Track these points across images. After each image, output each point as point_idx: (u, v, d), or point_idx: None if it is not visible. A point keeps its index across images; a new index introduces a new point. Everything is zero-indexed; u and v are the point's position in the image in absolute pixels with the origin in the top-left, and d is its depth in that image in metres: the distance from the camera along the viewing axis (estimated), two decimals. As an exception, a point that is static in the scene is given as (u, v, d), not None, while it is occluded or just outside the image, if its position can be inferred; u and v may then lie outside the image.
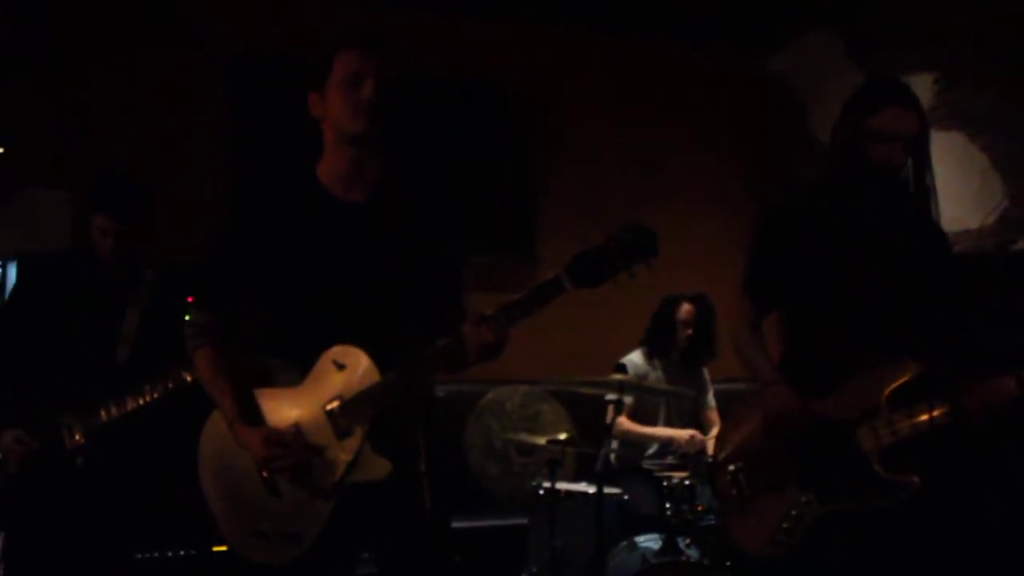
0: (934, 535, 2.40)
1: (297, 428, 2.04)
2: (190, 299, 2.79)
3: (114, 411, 2.89)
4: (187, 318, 2.19)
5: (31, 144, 4.71)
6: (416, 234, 2.07)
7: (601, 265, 1.86)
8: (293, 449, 2.01)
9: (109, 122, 4.61)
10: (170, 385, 2.89)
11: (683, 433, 4.12)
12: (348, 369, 2.01)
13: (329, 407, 2.02)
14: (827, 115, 5.30)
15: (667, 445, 4.14)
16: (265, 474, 2.06)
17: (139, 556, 3.61)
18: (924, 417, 2.21)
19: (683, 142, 5.62)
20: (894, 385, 2.25)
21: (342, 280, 2.04)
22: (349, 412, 2.00)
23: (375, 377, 1.98)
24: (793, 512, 2.29)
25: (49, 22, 4.57)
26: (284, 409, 2.08)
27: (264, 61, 4.84)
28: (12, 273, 4.89)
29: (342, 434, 2.01)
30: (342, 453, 2.01)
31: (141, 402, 2.89)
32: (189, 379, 2.85)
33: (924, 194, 2.42)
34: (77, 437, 2.89)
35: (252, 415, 2.09)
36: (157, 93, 4.71)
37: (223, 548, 3.71)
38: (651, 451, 4.19)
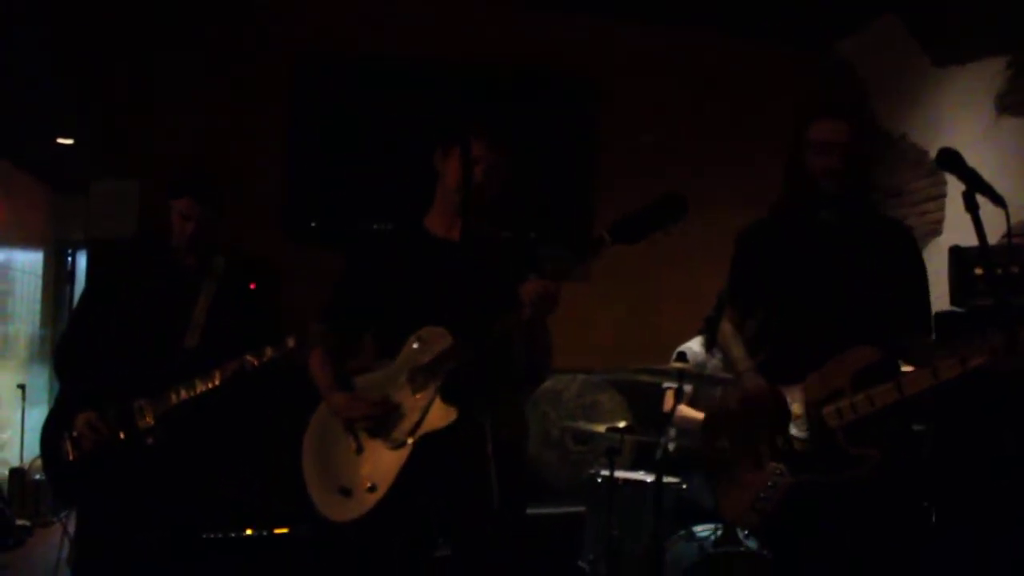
0: (901, 506, 2.67)
1: (386, 395, 2.45)
2: (252, 285, 2.99)
3: (183, 394, 2.96)
4: (310, 324, 2.67)
5: (100, 136, 4.85)
6: (496, 264, 2.48)
7: (639, 224, 2.22)
8: (369, 401, 2.45)
9: (174, 116, 4.71)
10: (237, 369, 2.96)
11: None
12: (429, 341, 2.40)
13: (410, 371, 2.42)
14: (894, 103, 5.26)
15: None
16: (351, 436, 2.47)
17: (205, 536, 3.72)
18: (888, 394, 2.44)
19: (745, 132, 5.52)
20: (857, 369, 2.49)
21: (433, 304, 2.43)
22: (424, 372, 2.38)
23: (448, 341, 2.36)
24: (768, 483, 2.58)
25: (117, 21, 4.69)
26: (376, 383, 2.51)
27: (326, 60, 4.91)
28: (82, 261, 5.04)
29: (418, 391, 2.40)
30: (417, 408, 2.38)
31: (210, 385, 2.96)
32: (256, 363, 2.94)
33: (867, 195, 2.73)
34: (148, 419, 2.97)
35: (344, 387, 2.53)
36: (221, 88, 4.80)
37: (285, 530, 3.85)
38: None
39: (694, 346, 4.28)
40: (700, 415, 4.16)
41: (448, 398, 2.34)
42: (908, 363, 2.60)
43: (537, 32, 5.20)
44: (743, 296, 2.86)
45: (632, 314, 4.86)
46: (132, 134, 4.69)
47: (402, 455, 2.37)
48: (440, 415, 2.34)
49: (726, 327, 2.88)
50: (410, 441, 2.36)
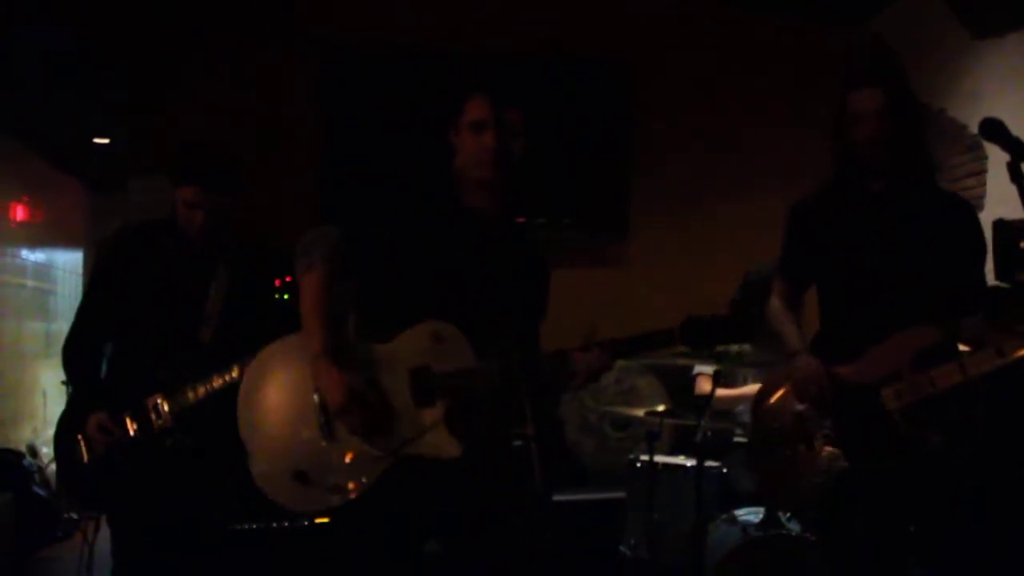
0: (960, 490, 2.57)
1: (377, 384, 2.08)
2: (277, 281, 2.83)
3: (201, 391, 2.78)
4: (312, 231, 2.24)
5: (136, 135, 4.91)
6: (522, 244, 2.33)
7: (709, 335, 2.16)
8: (371, 408, 2.04)
9: (207, 112, 4.76)
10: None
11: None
12: (445, 343, 2.09)
13: (416, 372, 2.09)
14: (932, 78, 5.16)
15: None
16: (323, 416, 2.07)
17: (236, 528, 3.67)
18: (951, 375, 2.37)
19: (781, 111, 5.46)
20: (917, 349, 2.42)
21: (464, 272, 2.20)
22: (435, 384, 2.07)
23: (471, 360, 2.07)
24: (824, 468, 2.49)
25: (149, 21, 4.73)
26: (372, 362, 2.11)
27: (352, 53, 4.94)
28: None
29: (423, 402, 2.07)
30: (417, 421, 2.06)
31: (228, 379, 2.76)
32: None
33: (923, 164, 2.61)
34: (165, 419, 2.78)
35: (337, 355, 2.08)
36: (253, 82, 4.85)
37: (325, 520, 3.86)
38: (739, 411, 4.13)
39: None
40: (732, 392, 4.13)
41: (454, 427, 2.05)
42: (963, 343, 2.50)
43: (568, 14, 5.17)
44: (795, 271, 2.78)
45: (668, 298, 4.80)
46: (167, 131, 4.74)
47: (381, 466, 2.04)
48: (437, 445, 2.04)
49: (776, 303, 2.79)
50: (396, 453, 2.04)
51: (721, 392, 4.11)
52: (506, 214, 2.32)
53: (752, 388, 4.13)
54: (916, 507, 2.49)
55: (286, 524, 3.76)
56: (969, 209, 2.63)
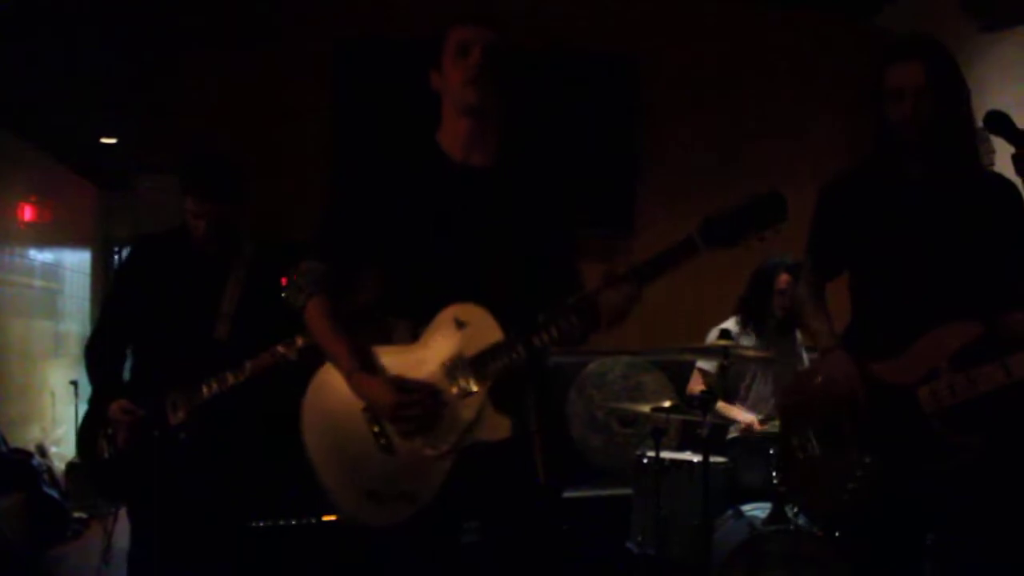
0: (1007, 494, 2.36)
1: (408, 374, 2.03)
2: (283, 281, 2.78)
3: (215, 387, 2.91)
4: (299, 265, 2.16)
5: (143, 133, 4.92)
6: (534, 200, 2.12)
7: (735, 226, 1.91)
8: (424, 395, 1.99)
9: (216, 109, 4.77)
10: (269, 364, 2.90)
11: (745, 416, 4.04)
12: (470, 327, 2.00)
13: (450, 364, 2.01)
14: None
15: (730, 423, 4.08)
16: (377, 429, 2.04)
17: (255, 524, 3.72)
18: (993, 376, 2.20)
19: (787, 110, 5.44)
20: (957, 347, 2.26)
21: (461, 241, 2.06)
22: (471, 370, 1.99)
23: (498, 335, 1.97)
24: (858, 473, 2.33)
25: (156, 17, 4.74)
26: (402, 366, 2.05)
27: (363, 47, 4.93)
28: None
29: (463, 392, 1.99)
30: (464, 410, 1.99)
31: (241, 378, 2.91)
32: (288, 355, 2.87)
33: (967, 146, 2.38)
34: (181, 414, 2.93)
35: (371, 366, 2.05)
36: (262, 79, 4.85)
37: (333, 517, 3.88)
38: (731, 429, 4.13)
39: (730, 326, 4.23)
40: (739, 413, 4.10)
41: (500, 405, 1.98)
42: (1009, 340, 2.29)
43: (574, 9, 5.16)
44: (827, 256, 2.58)
45: (675, 293, 4.81)
46: (176, 129, 4.75)
47: (445, 465, 2.00)
48: (492, 427, 1.97)
49: (803, 292, 2.61)
50: (455, 448, 1.99)
51: (728, 410, 4.11)
52: (504, 164, 2.14)
53: (729, 409, 4.11)
54: (959, 515, 2.33)
55: (297, 521, 3.78)
56: (1017, 194, 2.38)
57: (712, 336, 4.11)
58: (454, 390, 2.00)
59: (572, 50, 5.15)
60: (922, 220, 2.37)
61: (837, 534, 3.17)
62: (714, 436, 3.96)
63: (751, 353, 4.00)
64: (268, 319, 2.86)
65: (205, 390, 2.92)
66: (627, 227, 5.13)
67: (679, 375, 4.61)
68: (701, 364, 4.18)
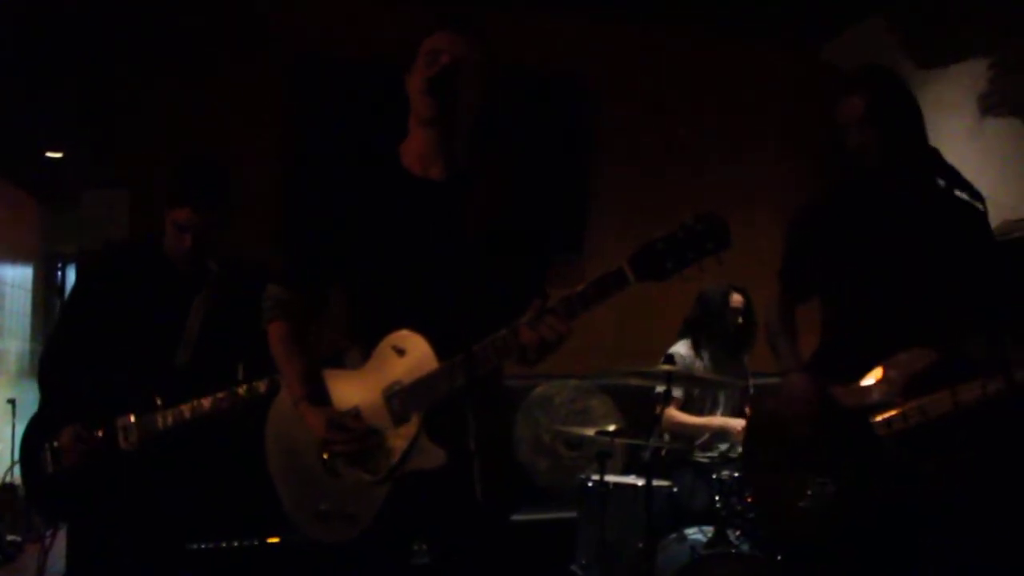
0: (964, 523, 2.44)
1: (357, 412, 2.05)
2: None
3: (170, 420, 2.83)
4: (266, 290, 2.17)
5: (89, 146, 4.85)
6: (497, 218, 2.05)
7: (669, 257, 1.76)
8: (353, 434, 2.02)
9: (166, 123, 4.71)
10: (226, 406, 2.82)
11: (737, 422, 4.11)
12: (407, 355, 1.99)
13: (387, 392, 2.02)
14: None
15: (721, 434, 4.13)
16: (325, 455, 2.08)
17: (195, 547, 3.65)
18: (942, 404, 2.28)
19: (736, 136, 5.57)
20: (911, 373, 2.33)
21: (413, 257, 2.02)
22: (406, 398, 1.99)
23: (433, 365, 1.95)
24: (809, 492, 2.39)
25: (106, 28, 4.69)
26: (346, 391, 2.09)
27: (320, 65, 4.91)
28: (72, 275, 5.04)
29: (399, 420, 2.00)
30: (398, 439, 2.00)
31: (198, 413, 2.82)
32: (248, 396, 2.80)
33: (922, 167, 2.45)
34: (133, 440, 2.84)
35: (319, 395, 2.09)
36: (214, 95, 4.80)
37: (277, 540, 3.83)
38: (701, 440, 4.17)
39: (681, 349, 4.29)
40: (691, 420, 4.19)
41: (435, 433, 1.97)
42: (963, 366, 2.36)
43: (531, 35, 5.21)
44: (797, 281, 2.67)
45: (624, 318, 4.86)
46: (122, 144, 4.68)
47: (383, 491, 2.02)
48: (426, 456, 1.97)
49: (773, 317, 2.70)
50: (391, 475, 2.01)
51: (684, 418, 4.16)
52: (465, 177, 2.06)
53: (717, 420, 4.19)
54: (902, 535, 2.39)
55: (253, 543, 3.74)
56: (976, 214, 2.45)
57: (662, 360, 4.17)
58: (391, 418, 2.01)
59: (526, 74, 5.19)
60: (887, 245, 2.44)
61: (779, 558, 3.21)
62: (661, 460, 4.02)
63: (702, 375, 4.06)
64: (231, 345, 2.85)
65: (160, 421, 2.83)
66: (578, 250, 5.17)
67: (626, 399, 4.65)
68: (658, 389, 4.20)
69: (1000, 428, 2.55)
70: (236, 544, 3.76)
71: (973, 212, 2.44)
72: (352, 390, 2.08)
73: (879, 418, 2.35)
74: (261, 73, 4.88)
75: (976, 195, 2.27)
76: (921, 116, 2.48)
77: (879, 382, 2.37)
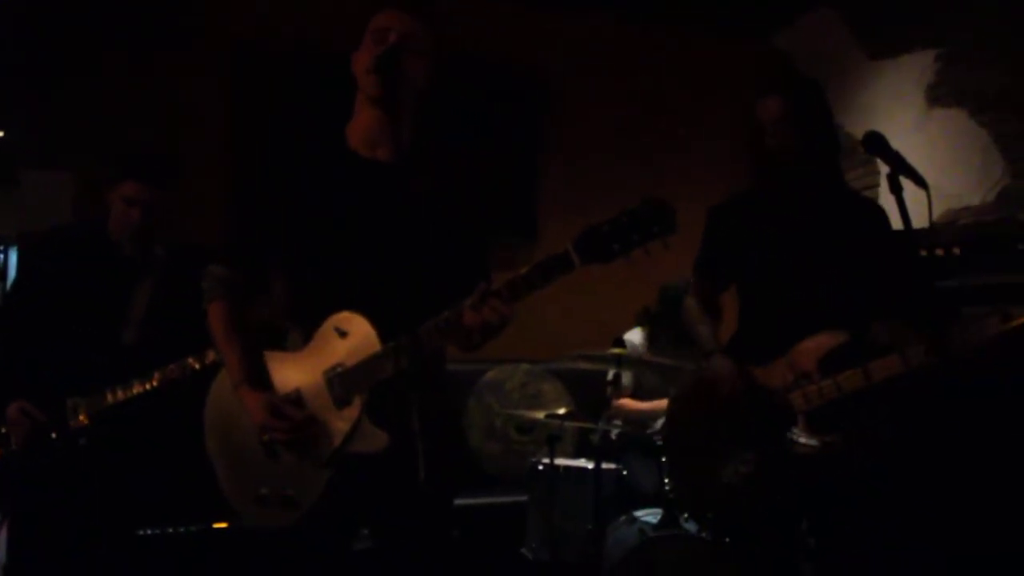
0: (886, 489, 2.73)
1: (298, 396, 2.02)
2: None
3: (120, 395, 2.86)
4: (206, 269, 2.15)
5: (31, 127, 4.73)
6: (442, 200, 2.05)
7: (614, 240, 1.76)
8: (292, 419, 1.98)
9: (109, 105, 4.61)
10: (177, 376, 2.85)
11: None
12: (350, 336, 1.97)
13: (329, 374, 1.99)
14: (830, 95, 5.31)
15: None
16: (265, 438, 2.04)
17: (141, 532, 3.63)
18: (855, 380, 2.43)
19: (686, 122, 5.60)
20: (825, 353, 2.47)
21: (357, 238, 2.00)
22: (348, 381, 1.96)
23: (375, 347, 1.93)
24: (734, 469, 2.54)
25: (49, 8, 4.57)
26: (287, 373, 2.06)
27: (264, 52, 4.84)
28: (14, 257, 4.92)
29: (341, 403, 1.97)
30: (340, 422, 1.97)
31: (148, 387, 2.85)
32: (197, 367, 2.83)
33: (832, 169, 2.67)
34: (82, 418, 2.85)
35: (259, 378, 2.05)
36: (158, 78, 4.70)
37: (224, 524, 3.79)
38: (653, 429, 4.20)
39: (634, 338, 4.30)
40: (643, 405, 4.21)
41: (377, 416, 1.94)
42: (872, 347, 2.52)
43: (481, 27, 5.18)
44: (712, 270, 2.81)
45: (578, 300, 4.87)
46: (64, 125, 4.58)
47: (324, 474, 1.99)
48: (368, 440, 1.94)
49: (691, 303, 2.84)
50: (333, 459, 1.98)
51: (635, 404, 4.18)
52: (413, 160, 2.06)
53: (664, 402, 4.21)
54: (815, 507, 2.54)
55: (201, 528, 3.69)
56: (880, 212, 2.67)
57: (628, 338, 4.19)
58: (332, 400, 1.98)
59: (478, 61, 5.17)
60: (798, 237, 2.59)
61: (727, 540, 3.25)
62: (611, 443, 4.04)
63: (650, 359, 4.08)
64: (178, 326, 2.82)
65: (109, 397, 2.85)
66: (530, 234, 5.17)
67: (578, 383, 4.67)
68: (610, 376, 4.22)
69: (910, 405, 2.80)
70: (185, 530, 3.72)
71: (877, 210, 2.66)
72: (293, 372, 2.05)
73: (797, 394, 2.49)
74: (206, 55, 4.79)
75: (920, 181, 2.30)
76: (833, 121, 2.69)
77: (795, 361, 2.50)
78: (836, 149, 2.67)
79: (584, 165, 5.39)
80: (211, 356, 2.78)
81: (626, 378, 4.17)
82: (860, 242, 2.58)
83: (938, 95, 4.58)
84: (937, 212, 3.82)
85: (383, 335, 1.93)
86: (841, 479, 2.48)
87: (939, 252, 3.14)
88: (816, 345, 2.49)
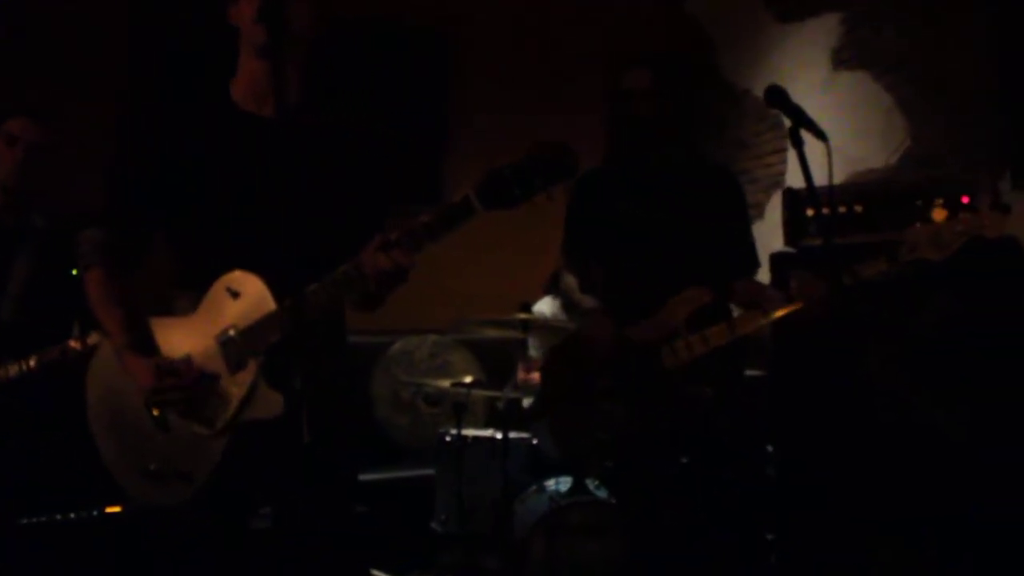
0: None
1: (190, 360, 1.90)
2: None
3: None
4: (82, 233, 2.00)
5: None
6: (332, 157, 1.96)
7: (515, 185, 1.71)
8: (185, 380, 1.87)
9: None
10: (57, 358, 2.72)
11: None
12: (243, 297, 1.87)
13: (222, 337, 1.88)
14: (739, 58, 5.34)
15: None
16: (155, 410, 1.91)
17: (26, 521, 3.46)
18: (721, 334, 2.54)
19: (594, 87, 5.52)
20: (691, 310, 2.57)
21: (243, 197, 1.90)
22: (242, 343, 1.86)
23: (270, 306, 1.83)
24: (607, 422, 2.61)
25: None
26: (176, 339, 1.94)
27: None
28: None
29: (235, 367, 1.87)
30: (235, 387, 1.86)
31: (25, 369, 2.72)
32: (79, 348, 2.69)
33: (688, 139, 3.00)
34: None
35: (144, 344, 1.94)
36: (49, 20, 4.41)
37: (117, 509, 3.62)
38: None
39: (543, 307, 4.23)
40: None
41: (272, 379, 1.84)
42: (736, 304, 2.70)
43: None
44: (578, 245, 2.87)
45: (484, 265, 4.78)
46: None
47: (219, 444, 1.88)
48: (264, 404, 1.84)
49: (569, 277, 2.90)
50: (229, 426, 1.88)
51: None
52: (301, 113, 1.95)
53: None
54: (695, 460, 2.65)
55: (92, 513, 3.52)
56: (734, 180, 2.88)
57: (538, 308, 4.12)
58: (226, 365, 1.87)
59: (381, 22, 5.02)
60: (652, 203, 2.69)
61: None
62: (519, 412, 3.97)
63: (558, 324, 4.00)
64: (58, 302, 2.71)
65: None
66: (436, 201, 5.05)
67: (487, 353, 4.60)
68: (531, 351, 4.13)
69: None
70: (74, 516, 3.55)
71: (727, 176, 2.88)
72: (183, 338, 1.93)
73: (667, 350, 2.57)
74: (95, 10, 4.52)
75: (820, 134, 2.30)
76: (689, 98, 2.86)
77: (664, 318, 2.59)
78: (689, 121, 2.87)
79: (491, 129, 5.27)
80: (94, 337, 2.64)
81: (534, 349, 4.10)
82: (717, 209, 2.73)
83: (843, 58, 4.60)
84: (842, 175, 3.83)
85: (277, 295, 1.83)
86: (715, 429, 2.59)
87: (842, 210, 3.13)
88: (683, 302, 2.58)
